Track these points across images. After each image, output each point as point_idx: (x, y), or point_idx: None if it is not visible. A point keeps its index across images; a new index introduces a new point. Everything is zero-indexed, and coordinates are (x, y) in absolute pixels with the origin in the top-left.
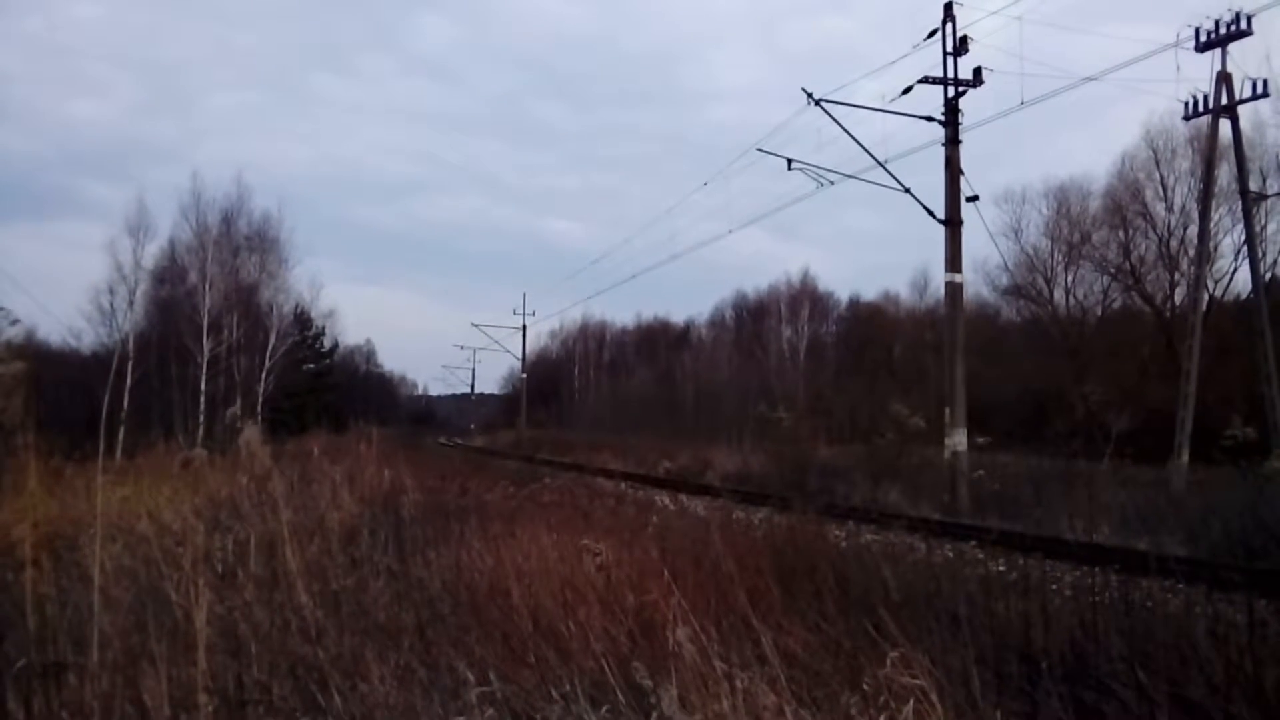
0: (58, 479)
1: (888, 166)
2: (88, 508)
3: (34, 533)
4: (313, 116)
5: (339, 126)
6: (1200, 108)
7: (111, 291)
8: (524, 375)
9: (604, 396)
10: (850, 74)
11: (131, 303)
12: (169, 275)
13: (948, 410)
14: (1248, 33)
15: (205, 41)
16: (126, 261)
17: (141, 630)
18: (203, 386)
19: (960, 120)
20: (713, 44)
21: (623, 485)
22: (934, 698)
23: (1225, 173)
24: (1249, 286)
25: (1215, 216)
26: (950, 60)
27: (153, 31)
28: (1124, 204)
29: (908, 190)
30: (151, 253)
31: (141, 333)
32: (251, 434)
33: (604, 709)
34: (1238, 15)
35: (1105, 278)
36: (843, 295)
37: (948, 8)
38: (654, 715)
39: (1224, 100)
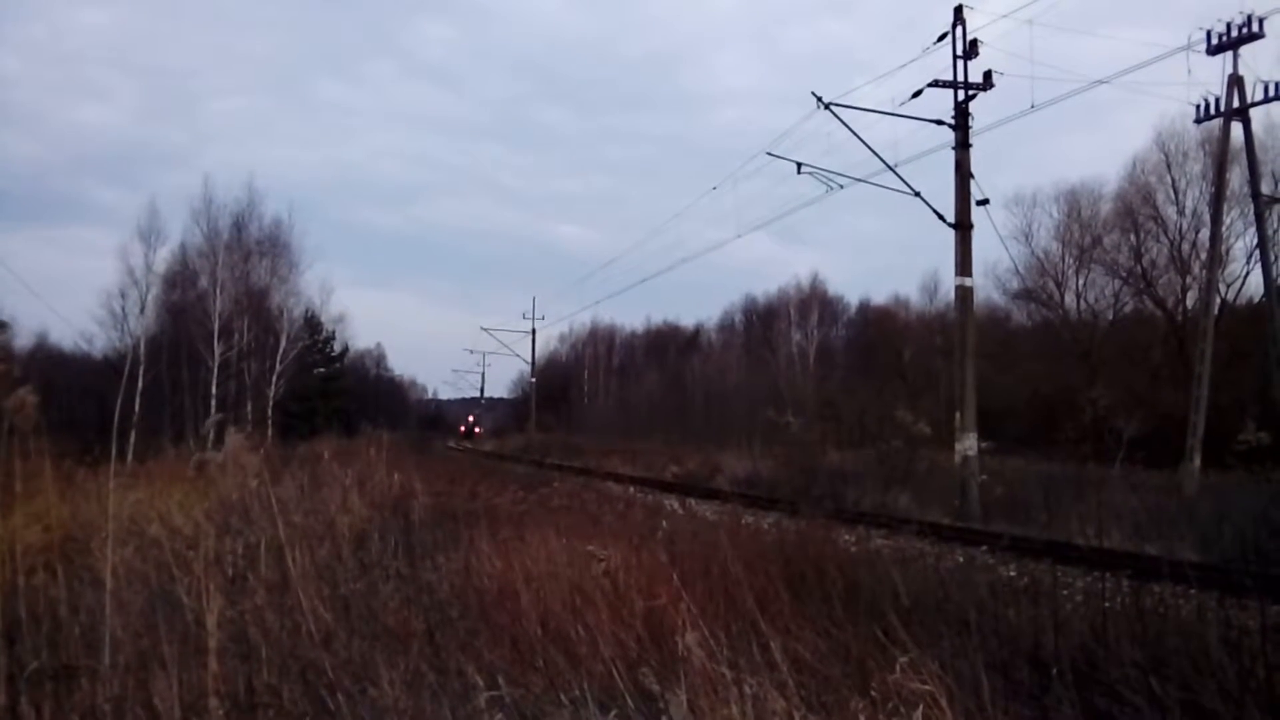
0: (69, 483)
1: (897, 170)
2: (99, 511)
3: (46, 536)
4: (317, 121)
5: (343, 131)
6: (1212, 110)
7: (123, 296)
8: (533, 379)
9: (613, 400)
10: (849, 77)
11: (143, 307)
12: (180, 280)
13: (958, 414)
14: (1259, 35)
15: (208, 47)
16: (138, 266)
17: (153, 634)
18: (213, 390)
19: (970, 124)
20: (713, 48)
21: (631, 489)
22: (944, 703)
23: (1237, 176)
24: (1261, 290)
25: (1227, 220)
26: (960, 64)
27: (156, 38)
28: (1135, 207)
29: (918, 194)
30: (163, 257)
31: (152, 337)
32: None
33: (613, 714)
34: (1249, 18)
35: (1116, 281)
36: (852, 299)
37: (958, 11)
38: None
39: (1236, 103)
